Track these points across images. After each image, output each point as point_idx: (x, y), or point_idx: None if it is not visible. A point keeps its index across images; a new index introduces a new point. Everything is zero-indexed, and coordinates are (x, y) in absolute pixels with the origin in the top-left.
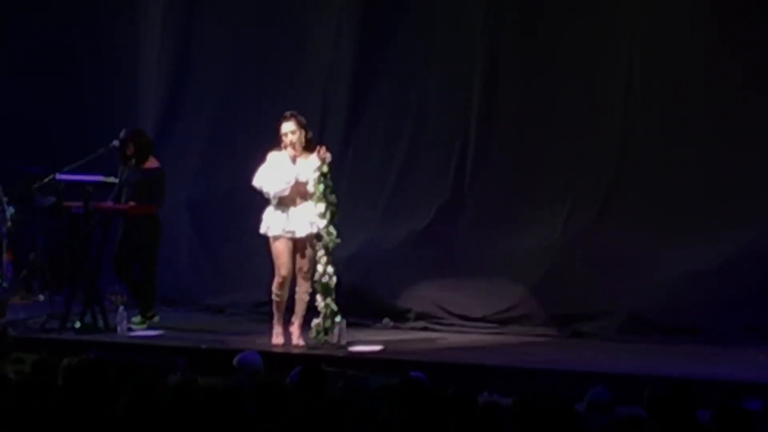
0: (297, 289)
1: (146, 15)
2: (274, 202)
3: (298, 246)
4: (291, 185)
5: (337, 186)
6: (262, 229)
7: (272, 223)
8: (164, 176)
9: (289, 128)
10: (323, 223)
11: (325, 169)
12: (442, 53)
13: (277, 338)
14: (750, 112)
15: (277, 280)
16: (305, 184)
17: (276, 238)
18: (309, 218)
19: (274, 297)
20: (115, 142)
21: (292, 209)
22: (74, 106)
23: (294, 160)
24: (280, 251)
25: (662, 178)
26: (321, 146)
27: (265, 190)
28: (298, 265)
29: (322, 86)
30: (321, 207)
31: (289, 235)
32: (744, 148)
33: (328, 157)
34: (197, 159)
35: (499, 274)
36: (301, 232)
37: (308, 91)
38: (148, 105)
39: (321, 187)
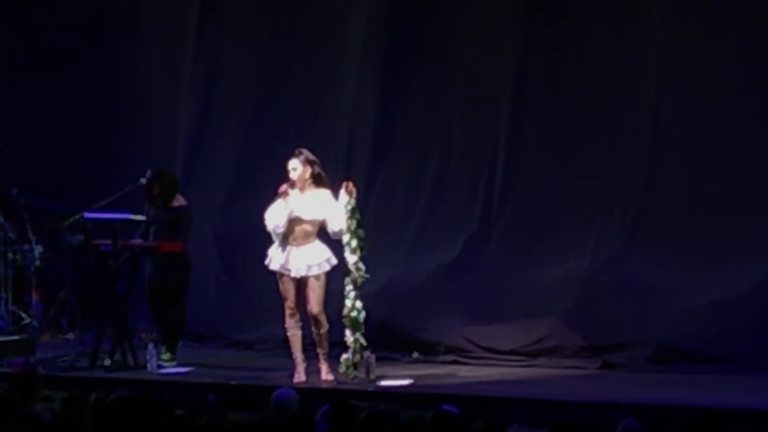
0: (312, 329)
1: (174, 54)
2: (275, 239)
3: (299, 285)
4: (284, 221)
5: (364, 219)
6: (266, 261)
7: (273, 256)
8: (191, 213)
9: (292, 165)
10: (354, 258)
11: (352, 203)
12: (467, 83)
13: (299, 377)
14: None
15: (286, 313)
16: (310, 222)
17: (278, 274)
18: (308, 261)
19: (287, 332)
20: (142, 180)
21: (292, 248)
22: (101, 144)
23: (286, 195)
24: (284, 285)
25: (688, 206)
26: (348, 182)
27: (266, 225)
28: (307, 305)
29: (347, 120)
30: (353, 243)
31: (287, 273)
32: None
33: (344, 189)
34: (224, 194)
35: (528, 306)
36: (296, 273)
37: (333, 125)
38: (175, 141)
39: (351, 222)
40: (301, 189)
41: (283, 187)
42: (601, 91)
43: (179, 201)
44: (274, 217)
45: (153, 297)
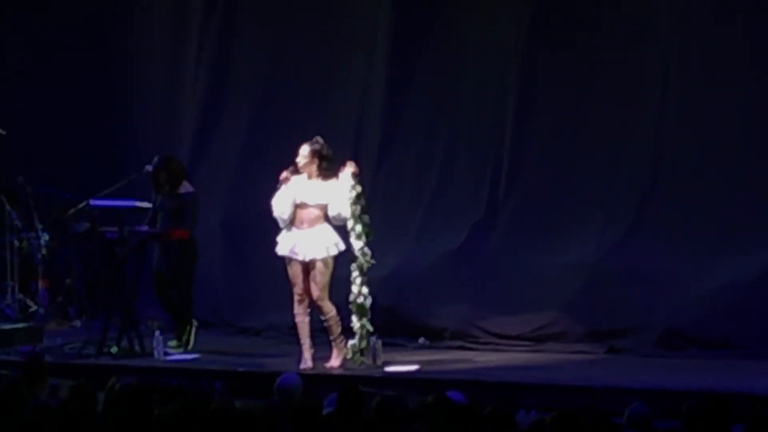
0: (320, 316)
1: (182, 41)
2: (281, 225)
3: (307, 270)
4: (289, 207)
5: (371, 206)
6: (276, 248)
7: (281, 242)
8: (197, 200)
9: (303, 151)
10: (359, 244)
11: (358, 189)
12: (475, 72)
13: (305, 363)
14: None
15: (294, 299)
16: (316, 206)
17: (287, 259)
18: (316, 244)
19: (295, 318)
20: (148, 167)
21: (300, 232)
22: (107, 131)
23: (287, 180)
24: (291, 272)
25: (695, 191)
26: (352, 162)
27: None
28: (310, 292)
29: (355, 108)
30: (357, 228)
31: (295, 257)
32: None
33: (349, 173)
34: (231, 181)
35: (534, 292)
36: (304, 256)
37: (342, 113)
38: (182, 128)
39: (356, 208)
40: (309, 175)
41: (284, 174)
42: (608, 79)
43: (186, 188)
44: (279, 204)
45: (160, 285)
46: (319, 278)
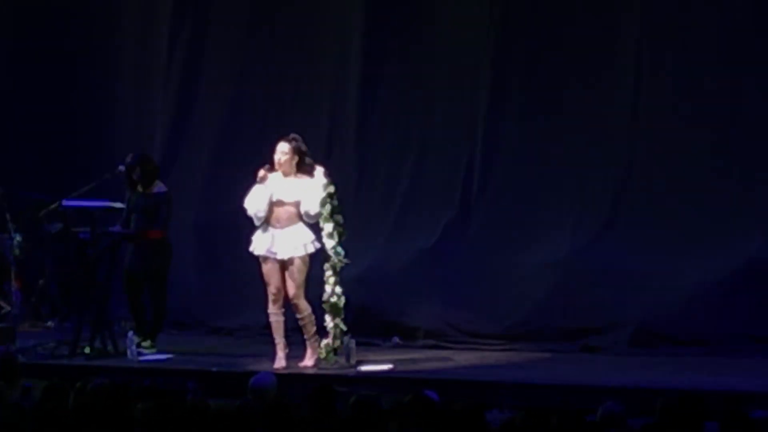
0: (295, 315)
1: (151, 39)
2: (257, 223)
3: (284, 269)
4: (265, 205)
5: (344, 206)
6: (251, 248)
7: (257, 242)
8: (171, 200)
9: (282, 148)
10: (331, 243)
11: (331, 189)
12: (447, 71)
13: (279, 362)
14: (756, 126)
15: (269, 298)
16: (293, 204)
17: (262, 258)
18: (293, 242)
19: (270, 318)
20: (121, 167)
21: (276, 230)
22: (79, 131)
23: (264, 178)
24: (266, 271)
25: (667, 190)
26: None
27: (246, 208)
28: (286, 290)
29: (328, 107)
30: (328, 227)
31: (272, 256)
32: (749, 160)
33: (321, 172)
34: (204, 181)
35: (508, 290)
36: (282, 255)
37: (314, 111)
38: (154, 128)
39: (327, 207)
40: (285, 174)
41: (262, 172)
42: (579, 78)
43: (159, 187)
44: (255, 202)
45: (131, 285)
46: (296, 276)
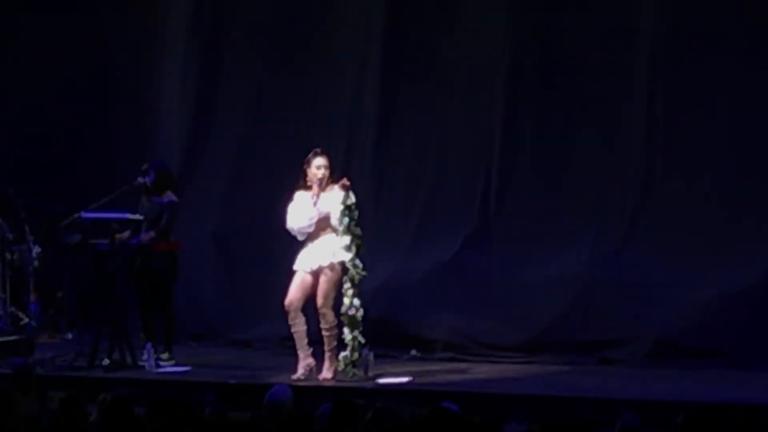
0: (320, 325)
1: (168, 52)
2: (300, 239)
3: (317, 279)
4: (314, 222)
5: (363, 218)
6: (295, 266)
7: (300, 259)
8: (177, 210)
9: (323, 163)
10: (349, 256)
11: (350, 201)
12: (465, 81)
13: (297, 372)
14: None
15: (290, 313)
16: (327, 217)
17: (298, 273)
18: (329, 248)
19: (291, 329)
20: (140, 179)
21: (313, 243)
22: (98, 143)
23: (318, 196)
24: (293, 282)
25: (685, 203)
26: (344, 177)
27: (288, 226)
28: (316, 299)
29: (346, 119)
30: (346, 240)
31: (310, 269)
32: (765, 172)
33: (344, 188)
34: (222, 193)
35: (526, 303)
36: (321, 262)
37: (333, 123)
38: (172, 140)
39: (346, 219)
40: (323, 187)
41: (316, 189)
42: (596, 88)
43: (169, 197)
44: (300, 219)
45: (137, 293)
46: (324, 286)
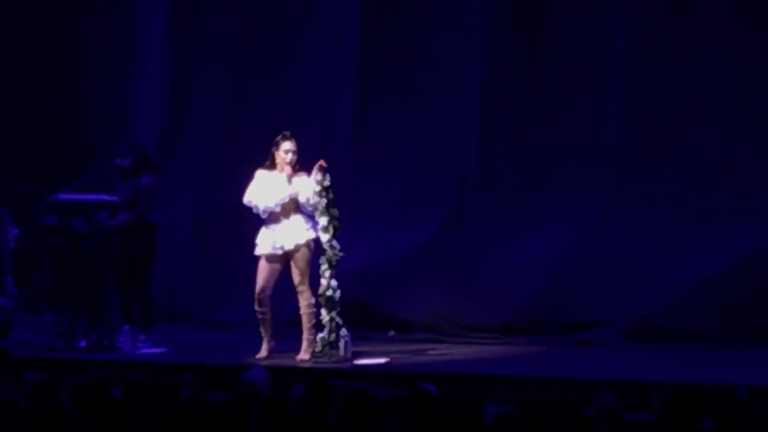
0: (299, 303)
1: (147, 34)
2: (264, 216)
3: (289, 260)
4: (284, 202)
5: (341, 199)
6: (256, 251)
7: (261, 242)
8: (155, 191)
9: (291, 147)
10: (326, 237)
11: (326, 182)
12: (443, 64)
13: (261, 352)
14: (753, 118)
15: (255, 297)
16: (295, 199)
17: (262, 256)
18: (295, 230)
19: (257, 315)
20: (117, 161)
21: (280, 225)
22: (75, 125)
23: (290, 179)
24: (261, 268)
25: (663, 185)
26: (320, 161)
27: (254, 203)
28: (293, 280)
29: (325, 100)
30: (324, 221)
31: (279, 251)
32: (745, 151)
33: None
34: (202, 175)
35: (504, 284)
36: (289, 245)
37: (312, 104)
38: (149, 122)
39: (323, 201)
40: (292, 169)
41: (289, 170)
42: (573, 72)
43: (147, 179)
44: (269, 197)
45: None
46: (300, 264)
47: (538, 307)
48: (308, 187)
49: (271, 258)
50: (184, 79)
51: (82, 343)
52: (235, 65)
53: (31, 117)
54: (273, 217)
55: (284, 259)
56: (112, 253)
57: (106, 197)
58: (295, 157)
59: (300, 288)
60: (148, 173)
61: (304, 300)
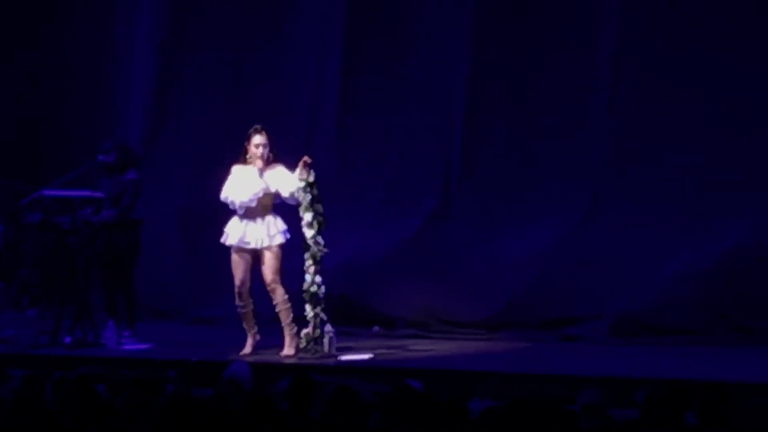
0: (273, 302)
1: (131, 30)
2: (240, 212)
3: (255, 258)
4: (258, 197)
5: (325, 195)
6: (222, 238)
7: (230, 232)
8: (139, 188)
9: (261, 141)
10: (311, 233)
11: (311, 178)
12: (428, 61)
13: (245, 349)
14: (734, 115)
15: (235, 291)
16: (272, 195)
17: (233, 248)
18: (269, 231)
19: (237, 310)
20: (101, 157)
21: (253, 222)
22: (59, 121)
23: (261, 173)
24: (235, 262)
25: (649, 180)
26: (304, 156)
27: (230, 200)
28: (263, 278)
29: (309, 95)
30: (308, 216)
31: (246, 246)
32: (730, 147)
33: (305, 165)
34: (185, 170)
35: (488, 280)
36: (255, 244)
37: (295, 100)
38: (134, 118)
39: (307, 196)
40: (266, 163)
41: (260, 164)
42: (560, 65)
43: (131, 175)
44: (243, 193)
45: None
46: (272, 262)
47: (523, 303)
48: (285, 179)
49: (240, 251)
50: (168, 76)
51: (67, 340)
52: (219, 61)
53: (15, 114)
54: (248, 213)
55: (253, 254)
56: (97, 249)
57: (90, 193)
58: (266, 151)
59: (272, 286)
60: (133, 169)
61: (278, 297)
